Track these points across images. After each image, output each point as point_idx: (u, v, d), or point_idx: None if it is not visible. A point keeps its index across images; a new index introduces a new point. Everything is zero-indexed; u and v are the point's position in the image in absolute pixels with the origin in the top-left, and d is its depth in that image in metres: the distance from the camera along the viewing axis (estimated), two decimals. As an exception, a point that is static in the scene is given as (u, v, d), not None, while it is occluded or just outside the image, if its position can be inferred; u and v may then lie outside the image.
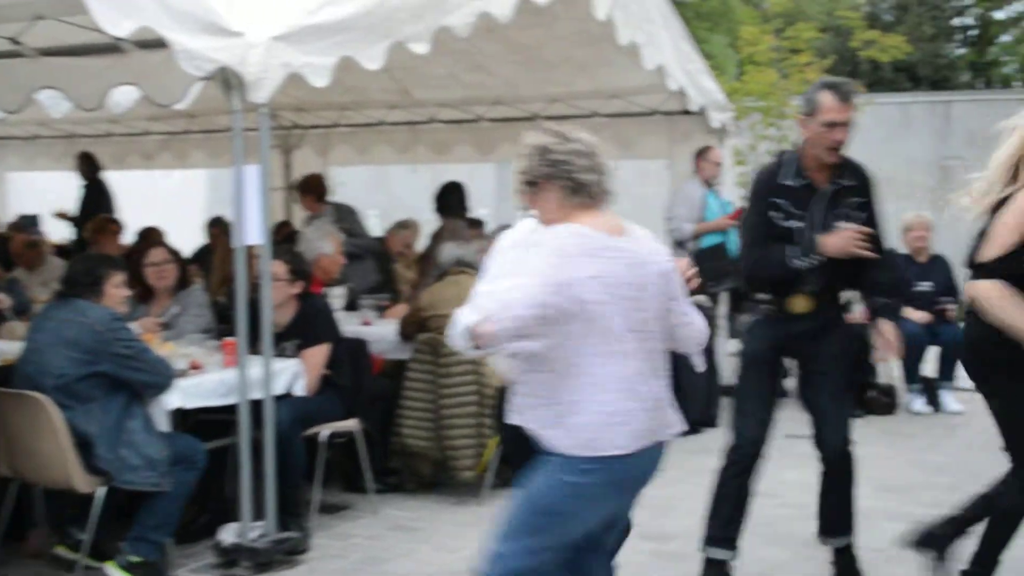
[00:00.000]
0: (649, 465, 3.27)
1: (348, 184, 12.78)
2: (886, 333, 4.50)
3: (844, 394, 4.70)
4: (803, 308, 4.43)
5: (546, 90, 8.45)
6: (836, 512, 4.68)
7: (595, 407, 3.08)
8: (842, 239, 4.30)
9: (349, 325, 6.32)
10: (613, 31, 6.60)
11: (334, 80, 5.00)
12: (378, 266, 7.85)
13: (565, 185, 3.12)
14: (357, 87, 8.28)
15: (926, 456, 7.04)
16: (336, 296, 6.67)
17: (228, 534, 4.88)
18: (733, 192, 10.25)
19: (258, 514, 4.88)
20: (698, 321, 3.35)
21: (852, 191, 4.47)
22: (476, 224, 8.70)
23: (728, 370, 7.41)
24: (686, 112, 8.19)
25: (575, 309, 3.00)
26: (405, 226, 8.62)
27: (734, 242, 7.56)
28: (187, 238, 9.12)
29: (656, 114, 8.48)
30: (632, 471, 3.21)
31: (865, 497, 5.94)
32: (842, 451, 4.63)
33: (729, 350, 6.52)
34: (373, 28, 5.06)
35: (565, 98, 8.46)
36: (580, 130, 3.22)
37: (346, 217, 7.98)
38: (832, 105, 4.26)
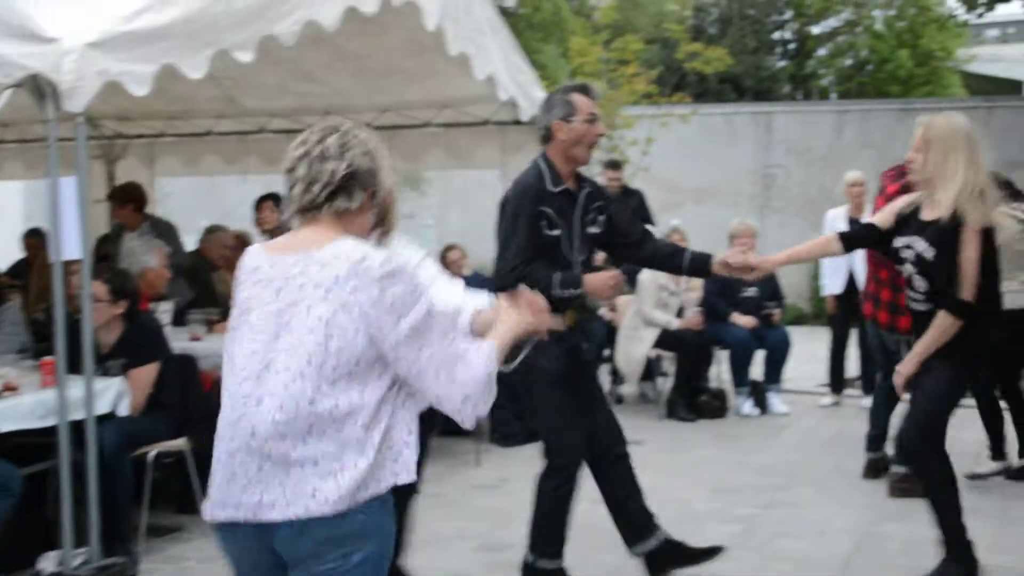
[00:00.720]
0: (242, 552, 2.52)
1: (176, 195, 12.41)
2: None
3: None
4: (572, 322, 4.52)
5: (377, 100, 8.38)
6: (636, 514, 4.69)
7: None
8: (603, 283, 4.51)
9: (178, 341, 6.13)
10: (443, 42, 6.60)
11: (159, 89, 4.84)
12: (192, 283, 7.66)
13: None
14: (184, 96, 8.05)
15: (755, 457, 7.26)
16: (163, 311, 6.47)
17: (49, 562, 4.67)
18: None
19: (81, 540, 4.68)
20: (473, 362, 2.49)
21: (594, 196, 4.64)
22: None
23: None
24: (518, 122, 8.24)
25: None
26: (215, 230, 8.48)
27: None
28: (3, 251, 8.70)
29: (488, 124, 8.51)
30: (231, 550, 2.55)
31: (698, 500, 6.13)
32: (619, 453, 4.70)
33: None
34: (195, 36, 4.92)
35: (396, 108, 8.41)
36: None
37: (164, 232, 7.74)
38: (586, 102, 4.50)
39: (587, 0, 25.01)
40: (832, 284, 8.78)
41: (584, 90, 4.57)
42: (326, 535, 2.37)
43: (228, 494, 2.46)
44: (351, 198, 2.55)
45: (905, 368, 4.63)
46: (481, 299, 3.00)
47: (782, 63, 28.30)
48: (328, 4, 5.60)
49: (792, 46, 28.53)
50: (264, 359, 2.46)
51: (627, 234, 4.73)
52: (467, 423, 2.51)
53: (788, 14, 28.05)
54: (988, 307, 4.52)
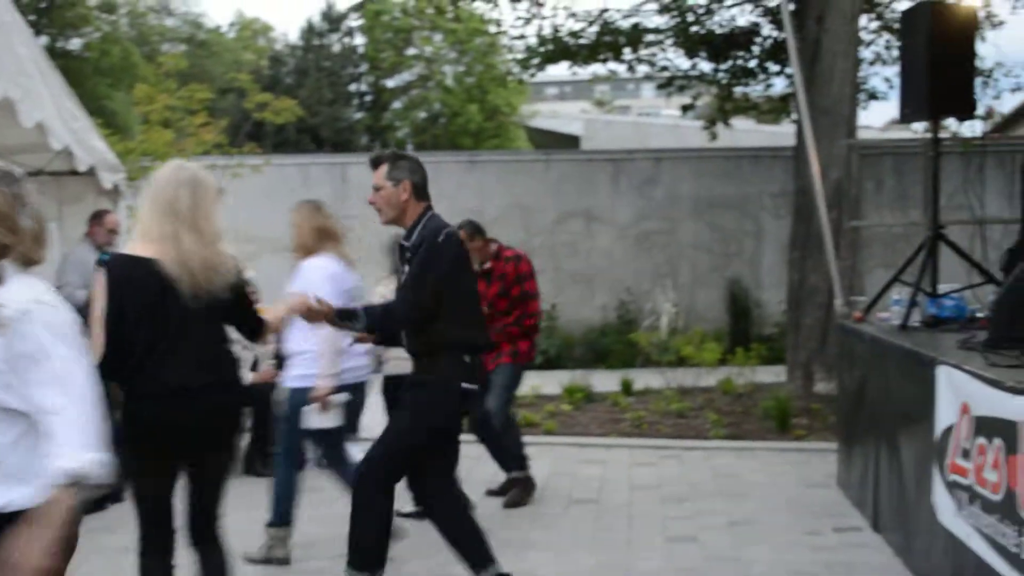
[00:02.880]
0: None
1: None
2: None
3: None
4: None
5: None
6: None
7: None
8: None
9: None
10: (-16, 85, 6.13)
11: None
12: None
13: None
14: None
15: (335, 508, 7.22)
16: None
17: None
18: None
19: None
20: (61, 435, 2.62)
21: (409, 250, 4.85)
22: None
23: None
24: (75, 172, 7.81)
25: None
26: None
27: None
28: None
29: (42, 174, 8.00)
30: None
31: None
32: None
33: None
34: None
35: (-63, 156, 7.71)
36: None
37: None
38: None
39: (158, 46, 24.31)
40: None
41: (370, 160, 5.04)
42: None
43: None
44: None
45: None
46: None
47: (359, 115, 28.92)
48: None
49: (368, 98, 29.24)
50: None
51: None
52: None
53: (363, 67, 28.73)
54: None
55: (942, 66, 6.61)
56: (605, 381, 11.95)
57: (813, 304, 10.84)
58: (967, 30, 6.77)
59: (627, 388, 11.42)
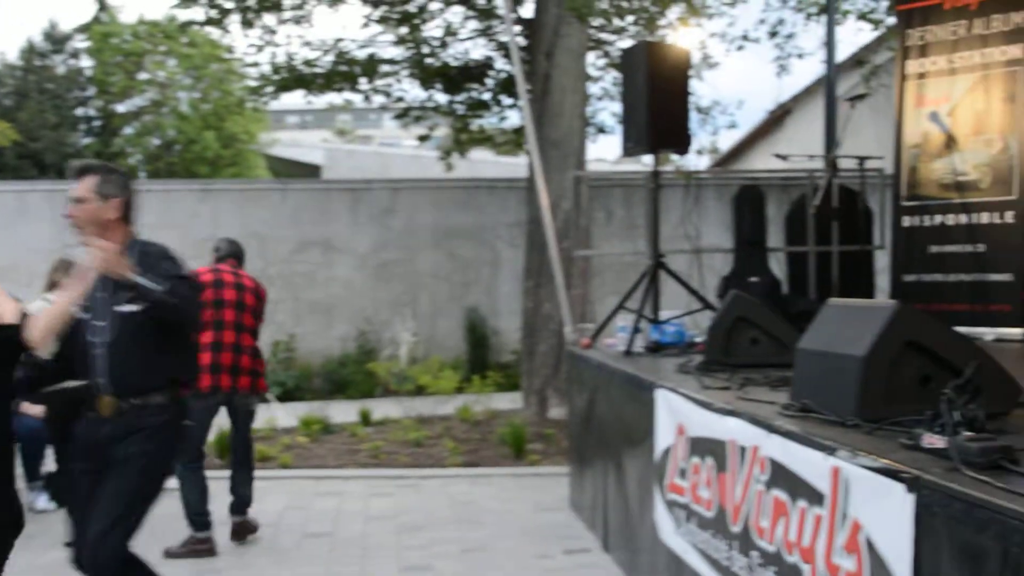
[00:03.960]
0: None
1: None
2: None
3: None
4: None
5: None
6: None
7: None
8: None
9: None
10: None
11: None
12: None
13: None
14: None
15: (52, 554, 6.79)
16: None
17: None
18: None
19: None
20: None
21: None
22: None
23: None
24: None
25: None
26: None
27: None
28: None
29: None
30: None
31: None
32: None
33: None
34: None
35: None
36: None
37: None
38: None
39: None
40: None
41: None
42: None
43: None
44: None
45: None
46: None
47: (87, 140, 27.59)
48: None
49: (97, 123, 27.95)
50: None
51: None
52: None
53: (91, 91, 27.47)
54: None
55: (660, 103, 6.93)
56: (344, 412, 11.81)
57: (547, 331, 11.11)
58: (681, 69, 7.13)
59: (365, 418, 11.32)
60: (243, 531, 6.99)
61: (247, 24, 13.14)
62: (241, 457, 7.09)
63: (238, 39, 34.28)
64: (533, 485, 8.55)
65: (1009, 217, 7.27)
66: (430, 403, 11.21)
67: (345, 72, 13.53)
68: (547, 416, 10.95)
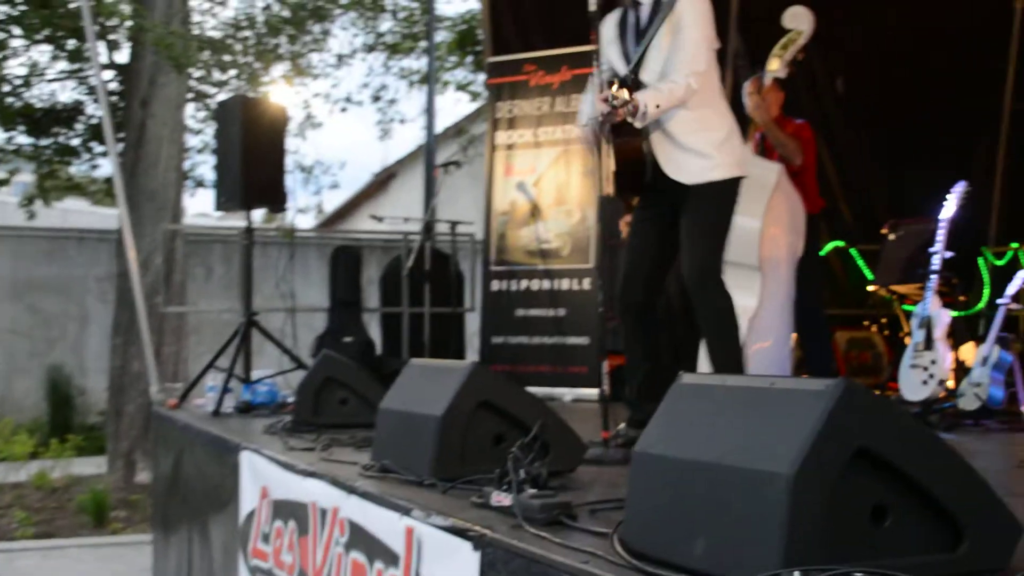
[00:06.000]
0: None
1: None
2: None
3: None
4: None
5: None
6: None
7: None
8: None
9: None
10: None
11: None
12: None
13: None
14: None
15: None
16: None
17: None
18: None
19: None
20: None
21: None
22: None
23: None
24: None
25: None
26: None
27: None
28: None
29: None
30: None
31: None
32: None
33: None
34: None
35: None
36: None
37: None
38: None
39: None
40: None
41: None
42: None
43: None
44: None
45: None
46: None
47: None
48: None
49: None
50: None
51: None
52: None
53: None
54: None
55: (254, 158, 6.82)
56: None
57: (136, 391, 10.56)
58: (278, 126, 7.07)
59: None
60: None
61: None
62: None
63: None
64: (114, 556, 8.04)
65: (586, 284, 7.78)
66: (0, 470, 10.29)
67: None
68: (134, 481, 10.37)
